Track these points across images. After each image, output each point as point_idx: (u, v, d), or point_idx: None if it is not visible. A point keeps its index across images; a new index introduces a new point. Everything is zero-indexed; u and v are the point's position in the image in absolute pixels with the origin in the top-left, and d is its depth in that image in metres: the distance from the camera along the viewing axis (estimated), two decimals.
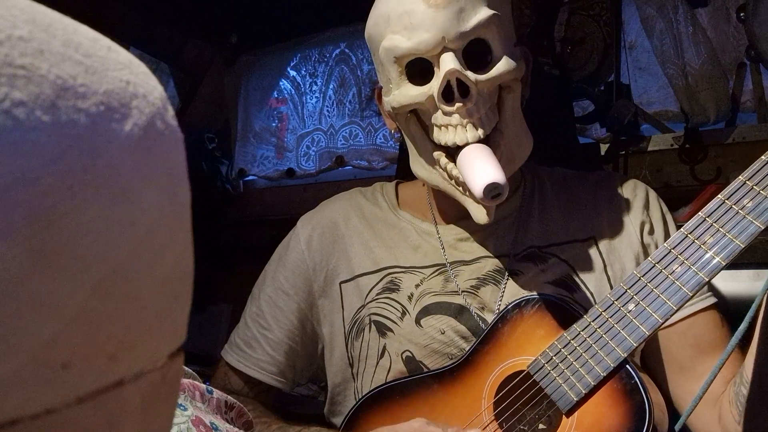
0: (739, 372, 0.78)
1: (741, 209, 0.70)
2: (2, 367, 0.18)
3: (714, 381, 0.73)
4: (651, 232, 0.92)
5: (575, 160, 1.24)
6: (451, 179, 0.85)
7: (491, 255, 0.92)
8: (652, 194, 0.95)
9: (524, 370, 0.80)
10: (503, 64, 0.81)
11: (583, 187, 0.98)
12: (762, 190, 0.69)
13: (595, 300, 0.87)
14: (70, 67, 0.20)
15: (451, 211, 0.96)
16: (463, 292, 0.90)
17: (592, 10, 1.42)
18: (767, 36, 1.27)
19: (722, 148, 1.41)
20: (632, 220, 0.92)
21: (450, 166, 0.83)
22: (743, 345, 0.74)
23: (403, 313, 0.91)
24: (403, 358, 0.90)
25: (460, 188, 0.84)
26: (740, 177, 0.71)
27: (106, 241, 0.20)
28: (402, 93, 0.84)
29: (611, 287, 0.88)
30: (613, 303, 0.76)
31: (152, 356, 0.23)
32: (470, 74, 0.79)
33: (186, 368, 0.55)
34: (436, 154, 0.85)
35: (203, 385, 0.55)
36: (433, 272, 0.93)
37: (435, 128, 0.84)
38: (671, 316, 0.72)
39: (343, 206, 1.03)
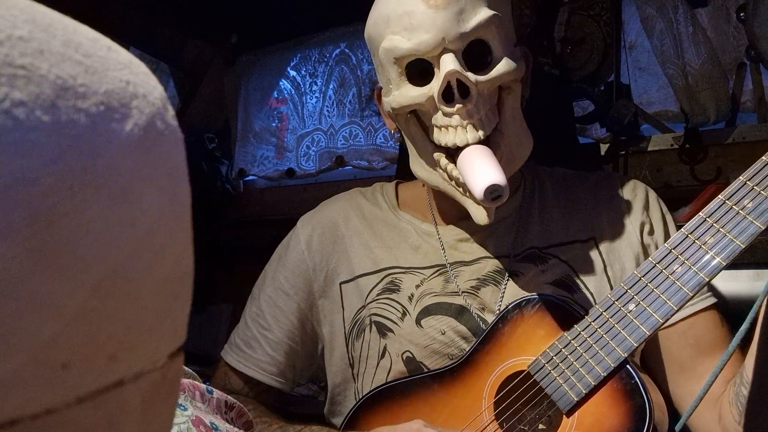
0: (739, 372, 0.78)
1: (741, 210, 0.70)
2: (2, 367, 0.18)
3: (714, 381, 0.73)
4: (651, 232, 0.92)
5: (575, 160, 1.24)
6: (452, 180, 0.85)
7: (491, 256, 0.92)
8: (652, 194, 0.95)
9: (525, 370, 0.80)
10: (503, 65, 0.81)
11: (583, 188, 0.98)
12: (762, 190, 0.69)
13: (595, 300, 0.87)
14: (70, 67, 0.20)
15: (451, 211, 0.96)
16: (463, 292, 0.90)
17: (592, 10, 1.42)
18: (767, 36, 1.27)
19: (722, 148, 1.41)
20: (632, 221, 0.92)
21: (450, 167, 0.83)
22: (743, 345, 0.74)
23: (404, 314, 0.91)
24: (404, 358, 0.90)
25: (461, 189, 0.84)
26: (741, 177, 0.71)
27: (106, 241, 0.20)
28: (402, 94, 0.84)
29: (611, 288, 0.88)
30: (614, 303, 0.76)
31: (152, 356, 0.23)
32: (470, 75, 0.79)
33: (186, 368, 0.55)
34: (437, 154, 0.85)
35: (203, 385, 0.55)
36: (434, 273, 0.93)
37: (435, 129, 0.84)
38: (672, 316, 0.72)
39: (343, 206, 1.03)
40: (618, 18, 1.44)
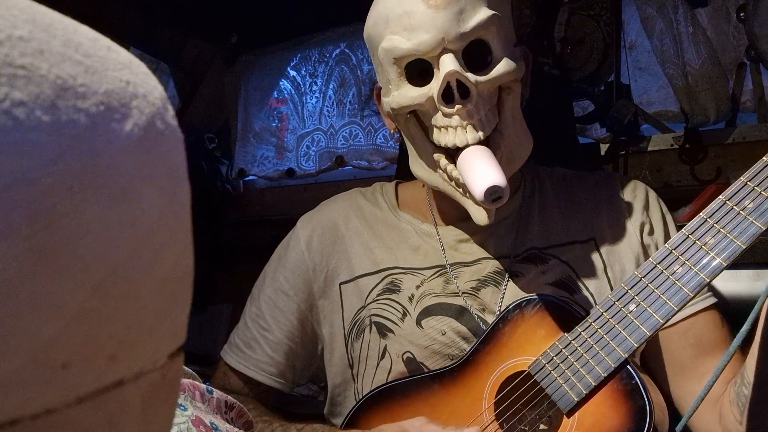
0: (740, 372, 0.78)
1: (742, 210, 0.70)
2: (2, 367, 0.18)
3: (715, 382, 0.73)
4: (651, 232, 0.92)
5: (575, 160, 1.24)
6: (451, 181, 0.85)
7: (491, 256, 0.92)
8: (652, 195, 0.95)
9: (525, 371, 0.80)
10: (503, 65, 0.81)
11: (583, 188, 0.98)
12: (763, 191, 0.69)
13: (595, 301, 0.87)
14: (70, 67, 0.20)
15: (451, 212, 0.96)
16: (463, 293, 0.90)
17: (592, 10, 1.42)
18: (767, 36, 1.27)
19: (722, 148, 1.41)
20: (632, 221, 0.92)
21: (450, 167, 0.83)
22: (743, 345, 0.74)
23: (404, 314, 0.91)
24: (404, 359, 0.90)
25: (461, 190, 0.84)
26: (741, 178, 0.71)
27: (106, 241, 0.20)
28: (401, 94, 0.84)
29: (611, 288, 0.88)
30: (614, 303, 0.76)
31: (152, 356, 0.23)
32: (470, 75, 0.79)
33: (186, 368, 0.55)
34: (436, 155, 0.85)
35: (203, 385, 0.55)
36: (434, 274, 0.93)
37: (435, 129, 0.83)
38: (672, 316, 0.72)
39: (343, 206, 1.03)
40: (618, 18, 1.44)
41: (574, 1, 1.43)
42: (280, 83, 2.12)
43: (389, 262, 0.95)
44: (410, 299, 0.92)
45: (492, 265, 0.91)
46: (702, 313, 0.87)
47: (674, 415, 0.86)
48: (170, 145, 0.23)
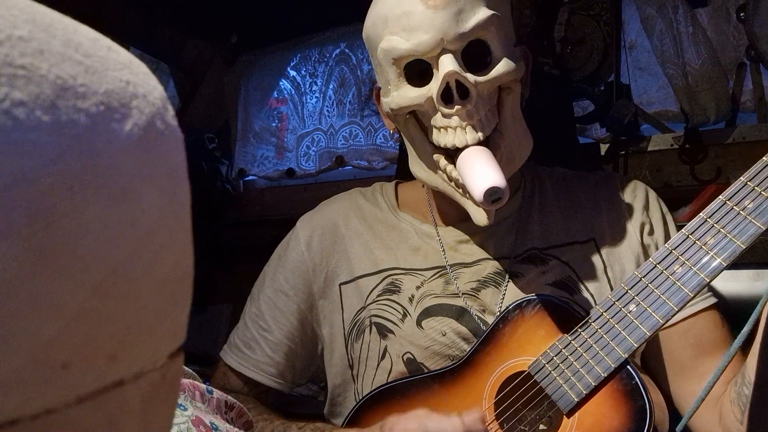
0: (741, 372, 0.78)
1: (742, 210, 0.70)
2: (2, 367, 0.18)
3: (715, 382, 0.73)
4: (651, 232, 0.92)
5: (575, 160, 1.24)
6: (451, 181, 0.85)
7: (491, 257, 0.92)
8: (652, 195, 0.95)
9: (525, 371, 0.80)
10: (503, 65, 0.81)
11: (583, 188, 0.98)
12: (763, 191, 0.69)
13: (595, 301, 0.87)
14: (70, 67, 0.20)
15: (451, 212, 0.96)
16: (463, 294, 0.90)
17: (592, 10, 1.42)
18: (767, 36, 1.27)
19: (722, 148, 1.41)
20: (632, 221, 0.92)
21: (450, 168, 0.83)
22: (743, 346, 0.74)
23: (404, 315, 0.91)
24: (404, 359, 0.90)
25: (460, 190, 0.84)
26: (741, 178, 0.71)
27: (106, 241, 0.20)
28: (401, 95, 0.84)
29: (611, 289, 0.88)
30: (614, 304, 0.76)
31: (152, 356, 0.23)
32: (469, 76, 0.79)
33: (186, 368, 0.55)
34: (436, 156, 0.85)
35: (203, 385, 0.55)
36: (434, 274, 0.93)
37: (434, 130, 0.83)
38: (672, 316, 0.72)
39: (342, 207, 1.03)
40: (618, 18, 1.44)
41: (574, 1, 1.43)
42: (280, 83, 2.12)
43: (389, 263, 0.95)
44: (410, 300, 0.92)
45: (492, 265, 0.91)
46: (702, 313, 0.87)
47: (674, 415, 0.86)
48: (170, 145, 0.23)
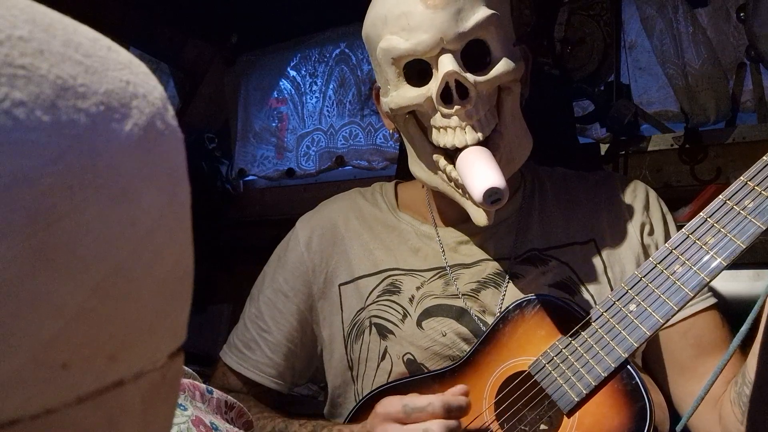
0: (741, 372, 0.78)
1: (742, 210, 0.70)
2: (2, 367, 0.18)
3: (715, 382, 0.73)
4: (651, 232, 0.92)
5: (575, 160, 1.24)
6: (451, 181, 0.84)
7: (491, 258, 0.92)
8: (653, 195, 0.95)
9: (525, 371, 0.80)
10: (502, 65, 0.81)
11: (583, 188, 0.97)
12: (763, 190, 0.69)
13: (595, 302, 0.87)
14: (70, 67, 0.20)
15: (450, 213, 0.96)
16: (463, 295, 0.90)
17: (592, 10, 1.42)
18: (767, 36, 1.27)
19: (722, 148, 1.41)
20: (632, 222, 0.92)
21: (449, 168, 0.83)
22: (743, 345, 0.74)
23: (405, 316, 0.91)
24: (405, 360, 0.90)
25: (460, 190, 0.84)
26: (741, 178, 0.71)
27: (106, 241, 0.20)
28: (400, 94, 0.84)
29: (612, 289, 0.88)
30: (614, 303, 0.76)
31: (152, 356, 0.23)
32: (469, 76, 0.79)
33: (186, 368, 0.55)
34: (435, 156, 0.85)
35: (203, 385, 0.55)
36: (434, 275, 0.93)
37: (434, 130, 0.83)
38: (672, 316, 0.72)
39: (342, 207, 1.03)
40: (618, 18, 1.44)
41: (574, 1, 1.43)
42: (280, 83, 2.12)
43: (389, 264, 0.95)
44: (410, 300, 0.92)
45: (492, 266, 0.91)
46: (702, 314, 0.87)
47: (674, 415, 0.85)
48: (170, 145, 0.23)
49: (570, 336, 0.78)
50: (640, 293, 0.74)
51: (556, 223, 0.94)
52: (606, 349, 0.75)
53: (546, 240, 0.93)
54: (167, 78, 2.13)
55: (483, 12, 0.79)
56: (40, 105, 0.19)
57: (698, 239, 0.72)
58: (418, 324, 0.90)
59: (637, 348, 0.74)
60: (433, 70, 0.80)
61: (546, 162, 1.03)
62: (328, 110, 2.02)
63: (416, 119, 0.87)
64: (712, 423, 0.84)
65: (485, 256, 0.92)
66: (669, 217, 0.94)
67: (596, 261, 0.90)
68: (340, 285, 0.97)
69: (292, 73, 2.10)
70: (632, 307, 0.74)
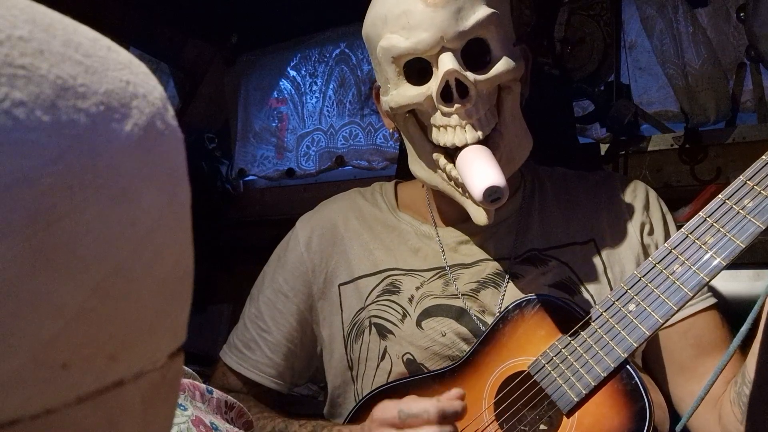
0: (741, 372, 0.78)
1: (741, 209, 0.70)
2: (2, 367, 0.18)
3: (714, 381, 0.73)
4: (651, 232, 0.92)
5: (575, 160, 1.24)
6: (450, 180, 0.84)
7: (491, 258, 0.92)
8: (653, 194, 0.95)
9: (525, 371, 0.80)
10: (502, 64, 0.81)
11: (583, 188, 0.97)
12: (763, 190, 0.69)
13: (595, 302, 0.87)
14: (70, 67, 0.20)
15: (450, 212, 0.96)
16: (462, 295, 0.90)
17: (592, 10, 1.42)
18: (767, 36, 1.27)
19: (722, 148, 1.41)
20: (632, 222, 0.92)
21: (449, 167, 0.83)
22: (743, 345, 0.73)
23: (404, 316, 0.91)
24: (404, 360, 0.90)
25: (460, 189, 0.84)
26: (741, 177, 0.71)
27: (106, 241, 0.20)
28: (400, 93, 0.84)
29: (611, 289, 0.88)
30: (614, 303, 0.76)
31: (152, 356, 0.23)
32: (469, 74, 0.79)
33: (186, 368, 0.55)
34: (435, 154, 0.85)
35: (203, 385, 0.55)
36: (433, 275, 0.93)
37: (434, 129, 0.83)
38: (672, 316, 0.72)
39: (342, 207, 1.03)
40: (618, 18, 1.44)
41: (574, 1, 1.43)
42: (280, 83, 2.12)
43: (389, 264, 0.95)
44: (410, 300, 0.92)
45: (492, 266, 0.91)
46: (702, 314, 0.87)
47: (674, 415, 0.85)
48: (170, 145, 0.23)
49: (569, 336, 0.78)
50: (640, 293, 0.74)
51: (556, 223, 0.94)
52: (605, 349, 0.75)
53: (546, 240, 0.93)
54: (167, 78, 2.13)
55: (483, 11, 0.79)
56: (40, 105, 0.19)
57: (697, 239, 0.72)
58: (418, 324, 0.90)
59: (637, 348, 0.74)
60: (434, 69, 0.80)
61: (546, 162, 1.03)
62: (328, 110, 2.02)
63: (416, 118, 0.87)
64: (711, 423, 0.84)
65: (485, 256, 0.92)
66: (669, 217, 0.94)
67: (596, 261, 0.90)
68: (339, 285, 0.97)
69: (292, 73, 2.10)
70: (632, 307, 0.74)
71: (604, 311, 0.76)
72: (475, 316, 0.89)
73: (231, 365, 1.01)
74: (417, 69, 0.82)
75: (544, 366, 0.79)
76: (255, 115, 2.13)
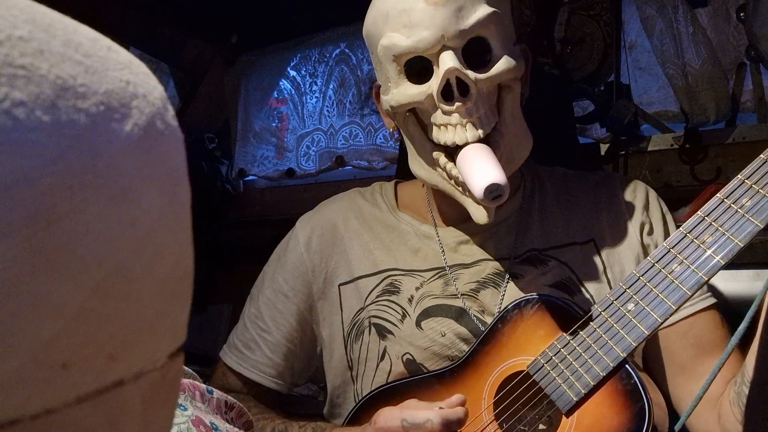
0: (740, 372, 0.78)
1: (740, 208, 0.70)
2: (2, 367, 0.18)
3: (713, 381, 0.73)
4: (650, 232, 0.92)
5: (575, 160, 1.24)
6: (451, 179, 0.85)
7: (491, 258, 0.92)
8: (652, 194, 0.95)
9: (524, 370, 0.80)
10: (503, 63, 0.81)
11: (583, 188, 0.97)
12: (761, 188, 0.69)
13: (594, 302, 0.87)
14: (70, 67, 0.20)
15: (450, 212, 0.96)
16: (462, 295, 0.90)
17: (592, 10, 1.42)
18: (767, 36, 1.27)
19: (722, 148, 1.41)
20: (632, 222, 0.92)
21: (449, 165, 0.83)
22: (743, 345, 0.74)
23: (404, 316, 0.91)
24: (404, 360, 0.90)
25: (460, 188, 0.84)
26: (739, 176, 0.71)
27: (106, 241, 0.20)
28: (401, 92, 0.84)
29: (611, 289, 0.88)
30: (613, 303, 0.76)
31: (152, 356, 0.23)
32: (470, 73, 0.79)
33: (186, 368, 0.55)
34: (435, 153, 0.85)
35: (203, 385, 0.55)
36: (433, 275, 0.93)
37: (434, 127, 0.83)
38: (670, 315, 0.72)
39: (342, 207, 1.03)
40: (618, 18, 1.44)
41: (574, 1, 1.43)
42: (280, 83, 2.12)
43: (388, 264, 0.95)
44: (410, 301, 0.92)
45: (491, 266, 0.91)
46: (702, 313, 0.87)
47: (673, 415, 0.85)
48: (170, 145, 0.23)
49: (568, 335, 0.78)
50: (639, 292, 0.74)
51: (555, 223, 0.94)
52: (604, 348, 0.75)
53: (546, 240, 0.93)
54: (167, 78, 2.13)
55: (484, 9, 0.79)
56: (40, 105, 0.19)
57: (696, 238, 0.72)
58: (417, 324, 0.90)
59: (636, 347, 0.74)
60: (434, 67, 0.80)
61: (546, 162, 1.03)
62: (328, 110, 2.02)
63: (416, 117, 0.87)
64: (711, 423, 0.84)
65: (485, 256, 0.92)
66: (669, 217, 0.94)
67: (596, 261, 0.90)
68: (339, 285, 0.97)
69: (292, 73, 2.10)
70: (630, 306, 0.74)
71: (603, 311, 0.76)
72: (474, 316, 0.89)
73: (231, 365, 1.01)
74: (418, 67, 0.82)
75: (543, 366, 0.79)
76: (255, 115, 2.13)
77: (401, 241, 0.97)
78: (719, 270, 0.70)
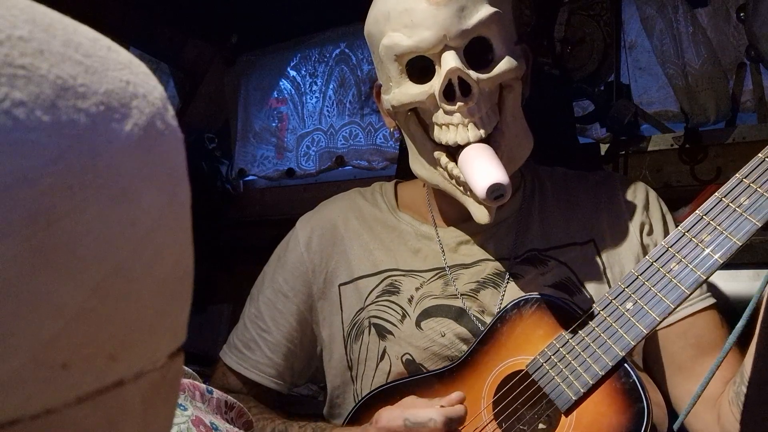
0: (740, 371, 0.78)
1: (738, 207, 0.70)
2: (2, 367, 0.18)
3: (712, 381, 0.73)
4: (650, 232, 0.92)
5: (575, 160, 1.24)
6: (452, 179, 0.85)
7: (491, 258, 0.92)
8: (652, 194, 0.95)
9: (523, 370, 0.80)
10: (504, 63, 0.81)
11: (583, 188, 0.97)
12: (759, 187, 0.69)
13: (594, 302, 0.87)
14: (70, 67, 0.20)
15: (451, 212, 0.96)
16: (462, 295, 0.90)
17: (592, 10, 1.42)
18: (767, 36, 1.27)
19: (722, 148, 1.41)
20: (632, 222, 0.92)
21: (451, 165, 0.83)
22: (742, 345, 0.74)
23: (404, 316, 0.91)
24: (404, 360, 0.90)
25: (461, 188, 0.84)
26: (737, 175, 0.71)
27: (106, 241, 0.20)
28: (402, 91, 0.84)
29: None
30: (612, 302, 0.76)
31: (152, 356, 0.23)
32: (472, 73, 0.79)
33: (186, 368, 0.55)
34: (437, 153, 0.85)
35: (203, 385, 0.55)
36: (433, 276, 0.93)
37: (436, 127, 0.83)
38: (669, 314, 0.72)
39: (342, 207, 1.03)
40: (618, 18, 1.44)
41: (574, 1, 1.43)
42: (280, 83, 2.12)
43: (388, 264, 0.95)
44: (410, 301, 0.92)
45: (491, 266, 0.91)
46: (701, 313, 0.87)
47: (673, 415, 0.86)
48: (170, 145, 0.23)
49: (567, 335, 0.78)
50: (637, 291, 0.74)
51: (555, 224, 0.94)
52: (603, 347, 0.75)
53: (546, 240, 0.93)
54: (167, 78, 2.13)
55: (486, 9, 0.79)
56: (40, 105, 0.19)
57: (694, 237, 0.72)
58: (417, 324, 0.90)
59: (634, 346, 0.74)
60: (436, 67, 0.80)
61: (546, 162, 1.03)
62: (328, 110, 2.02)
63: (417, 116, 0.87)
64: (710, 423, 0.84)
65: (485, 256, 0.92)
66: (669, 217, 0.94)
67: (596, 261, 0.90)
68: (339, 285, 0.97)
69: (292, 73, 2.10)
70: (629, 305, 0.75)
71: (602, 310, 0.77)
72: (474, 316, 0.89)
73: (231, 365, 1.01)
74: (419, 67, 0.82)
75: (542, 365, 0.79)
76: (255, 115, 2.13)
77: (401, 241, 0.97)
78: (717, 269, 0.70)
